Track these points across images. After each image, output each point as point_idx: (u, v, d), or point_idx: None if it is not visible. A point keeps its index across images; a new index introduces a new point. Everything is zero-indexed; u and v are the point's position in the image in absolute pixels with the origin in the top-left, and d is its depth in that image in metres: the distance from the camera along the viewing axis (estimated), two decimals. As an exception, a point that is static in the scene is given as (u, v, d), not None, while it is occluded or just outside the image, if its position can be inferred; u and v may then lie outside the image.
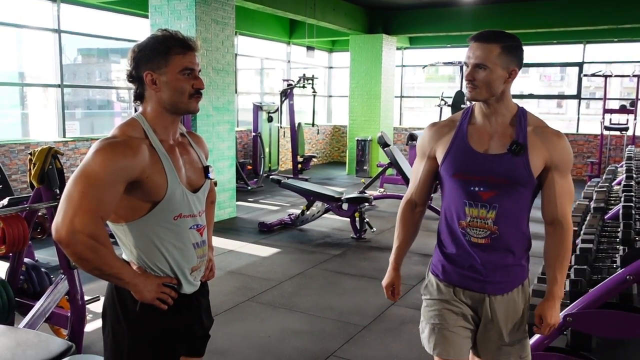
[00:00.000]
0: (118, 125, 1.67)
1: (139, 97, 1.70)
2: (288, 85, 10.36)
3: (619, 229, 3.40)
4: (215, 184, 6.63)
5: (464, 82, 1.83)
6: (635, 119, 10.13)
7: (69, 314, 3.08)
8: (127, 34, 9.12)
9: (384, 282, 2.06)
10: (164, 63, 1.64)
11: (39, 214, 3.46)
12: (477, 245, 1.82)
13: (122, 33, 9.14)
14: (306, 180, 9.47)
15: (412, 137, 10.21)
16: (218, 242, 5.97)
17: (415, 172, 2.00)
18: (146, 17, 7.12)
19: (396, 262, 2.05)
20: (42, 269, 3.56)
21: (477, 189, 1.79)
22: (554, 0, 9.98)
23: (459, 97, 10.45)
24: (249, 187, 9.42)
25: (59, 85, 7.84)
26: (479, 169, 1.79)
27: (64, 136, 7.89)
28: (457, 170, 1.83)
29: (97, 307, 3.86)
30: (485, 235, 1.81)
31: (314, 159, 11.95)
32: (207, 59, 6.80)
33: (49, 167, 3.03)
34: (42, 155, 3.02)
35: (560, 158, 1.79)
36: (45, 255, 5.06)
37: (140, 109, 1.72)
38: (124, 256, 1.73)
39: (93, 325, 3.65)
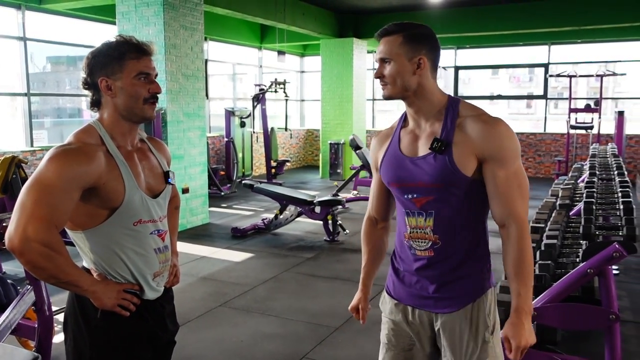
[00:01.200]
0: (74, 132, 1.66)
1: (95, 104, 1.70)
2: (260, 90, 10.36)
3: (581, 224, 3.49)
4: (187, 190, 6.53)
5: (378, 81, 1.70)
6: (599, 117, 10.38)
7: (36, 326, 3.04)
8: (96, 41, 9.02)
9: (350, 305, 1.93)
10: (118, 68, 1.63)
11: (3, 224, 3.40)
12: (422, 258, 1.68)
13: (91, 40, 9.05)
14: (280, 184, 9.48)
15: (384, 140, 10.29)
16: (190, 248, 5.94)
17: (372, 186, 1.92)
18: (114, 23, 7.06)
19: (363, 283, 1.92)
20: (9, 281, 3.49)
21: (410, 196, 1.66)
22: (519, 2, 10.19)
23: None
24: (222, 193, 9.38)
25: (25, 94, 7.71)
26: (408, 175, 1.66)
27: (32, 145, 7.76)
28: (390, 179, 1.72)
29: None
30: (427, 247, 1.66)
31: (288, 163, 11.96)
32: (176, 64, 6.77)
33: (12, 176, 2.98)
34: (5, 165, 2.98)
35: (495, 147, 1.57)
36: (13, 267, 4.96)
37: (97, 115, 1.71)
38: (84, 264, 1.72)
39: (61, 337, 3.59)
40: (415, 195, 1.66)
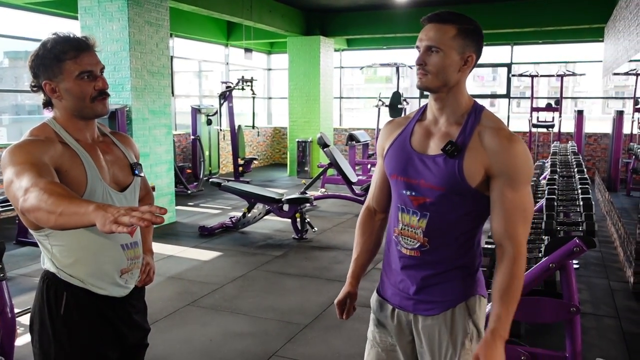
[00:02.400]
0: (28, 130, 1.64)
1: (47, 104, 1.67)
2: (227, 87, 10.28)
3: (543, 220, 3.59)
4: (153, 189, 6.48)
5: (415, 69, 1.59)
6: (560, 116, 10.67)
7: (-2, 328, 2.96)
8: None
9: (336, 299, 1.80)
10: (58, 71, 1.59)
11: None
12: (407, 257, 1.64)
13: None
14: (247, 182, 9.43)
15: (352, 138, 10.37)
16: (157, 247, 5.85)
17: (374, 176, 1.83)
18: (76, 18, 6.89)
19: (352, 276, 1.80)
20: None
21: (408, 192, 1.61)
22: (482, 4, 10.39)
23: (395, 98, 10.69)
24: (189, 191, 9.29)
25: (-18, 90, 7.47)
26: (411, 171, 1.61)
27: (-10, 143, 7.52)
28: (393, 170, 1.66)
29: (28, 320, 3.71)
30: (414, 247, 1.62)
31: (255, 161, 11.91)
32: (141, 61, 6.66)
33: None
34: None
35: (507, 165, 1.52)
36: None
37: (51, 114, 1.68)
38: (46, 262, 1.69)
39: (24, 339, 3.51)
40: (414, 193, 1.60)
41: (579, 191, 3.94)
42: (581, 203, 3.58)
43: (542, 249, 3.30)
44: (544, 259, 2.80)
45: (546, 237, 3.43)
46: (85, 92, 1.61)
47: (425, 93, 1.65)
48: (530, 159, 1.56)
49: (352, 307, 1.81)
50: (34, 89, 1.65)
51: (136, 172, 1.80)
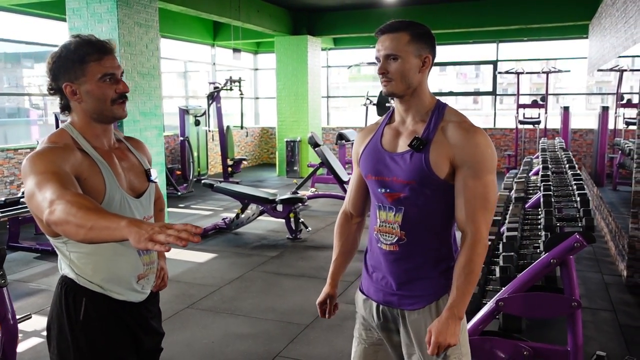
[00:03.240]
0: (46, 136, 1.63)
1: (65, 108, 1.66)
2: (215, 88, 10.24)
3: (540, 216, 3.64)
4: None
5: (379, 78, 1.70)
6: (546, 112, 10.80)
7: (0, 334, 2.93)
8: (43, 38, 8.69)
9: (317, 299, 1.92)
10: (80, 73, 1.58)
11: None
12: (387, 252, 1.71)
13: (37, 37, 8.70)
14: (237, 183, 9.42)
15: (341, 137, 10.40)
16: (151, 250, 5.83)
17: (350, 181, 1.93)
18: (64, 20, 6.82)
19: (331, 277, 1.91)
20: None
21: (384, 190, 1.70)
22: (469, 2, 10.48)
23: (383, 96, 10.74)
24: (179, 193, 9.24)
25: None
26: (384, 170, 1.71)
27: (-27, 147, 7.41)
28: (367, 171, 1.76)
29: (29, 326, 3.69)
30: (393, 242, 1.70)
31: (244, 162, 11.89)
32: (131, 63, 6.61)
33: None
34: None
35: (469, 154, 1.61)
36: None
37: (69, 119, 1.68)
38: (65, 268, 1.68)
39: (25, 345, 3.48)
40: (388, 190, 1.69)
41: (574, 187, 4.00)
42: (578, 199, 3.63)
43: (539, 245, 3.35)
44: (544, 255, 2.84)
45: (544, 233, 3.49)
46: (107, 94, 1.61)
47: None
48: (491, 149, 1.64)
49: (334, 305, 1.92)
50: (51, 91, 1.63)
51: (151, 178, 1.80)
